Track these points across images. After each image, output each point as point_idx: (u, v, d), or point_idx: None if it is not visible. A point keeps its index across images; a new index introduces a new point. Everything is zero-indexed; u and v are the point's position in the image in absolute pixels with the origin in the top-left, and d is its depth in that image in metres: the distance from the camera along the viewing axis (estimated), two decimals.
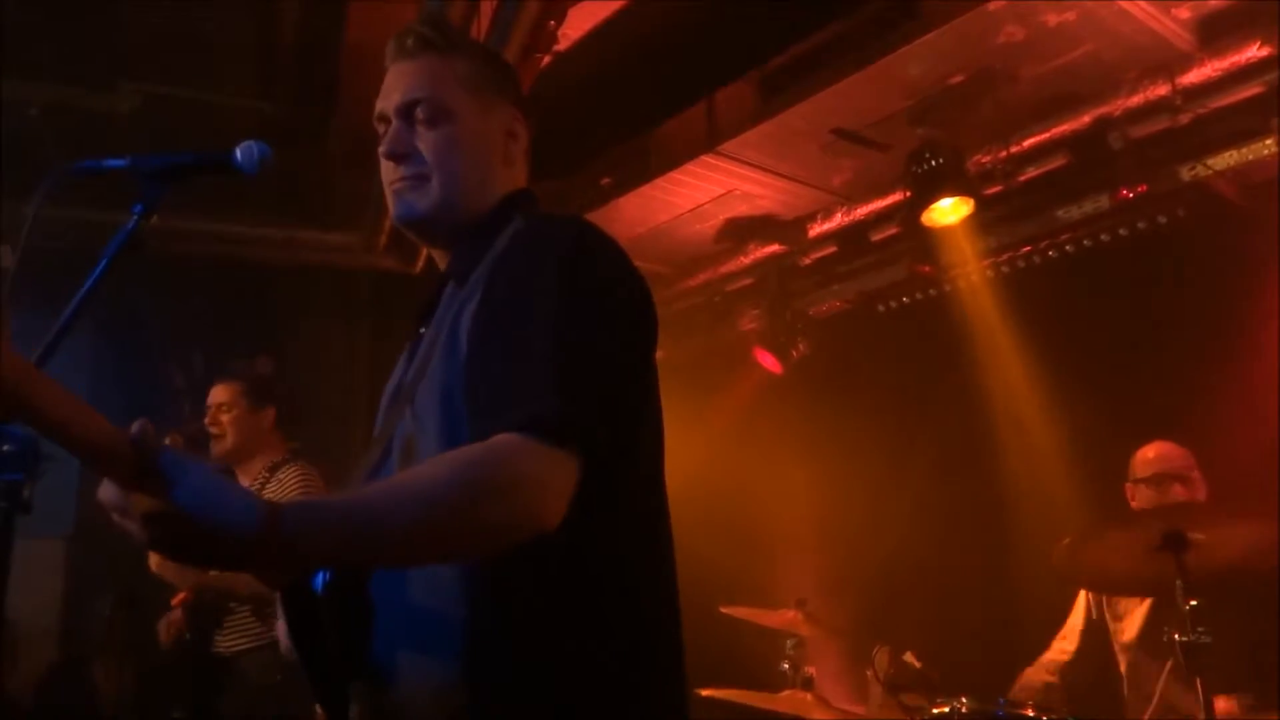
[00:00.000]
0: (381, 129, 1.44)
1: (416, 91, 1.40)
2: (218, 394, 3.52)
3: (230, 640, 3.34)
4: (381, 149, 1.42)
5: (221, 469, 3.40)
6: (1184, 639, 2.48)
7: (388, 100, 1.42)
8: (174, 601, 3.39)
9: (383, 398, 1.45)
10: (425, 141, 1.40)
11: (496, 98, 1.46)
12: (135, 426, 0.97)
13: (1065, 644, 3.37)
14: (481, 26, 3.79)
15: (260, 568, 1.12)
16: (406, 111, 1.41)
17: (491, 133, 1.45)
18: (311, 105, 4.89)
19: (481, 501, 1.09)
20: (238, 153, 1.39)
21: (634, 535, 1.28)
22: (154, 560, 3.14)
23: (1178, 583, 2.54)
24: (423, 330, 1.40)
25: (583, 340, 1.19)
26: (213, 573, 3.29)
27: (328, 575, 1.20)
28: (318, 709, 1.25)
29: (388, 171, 1.42)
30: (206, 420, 3.49)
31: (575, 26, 3.97)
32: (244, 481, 3.47)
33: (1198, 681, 2.44)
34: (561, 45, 4.03)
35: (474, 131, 1.42)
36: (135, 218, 1.33)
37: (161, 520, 0.96)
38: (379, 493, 1.12)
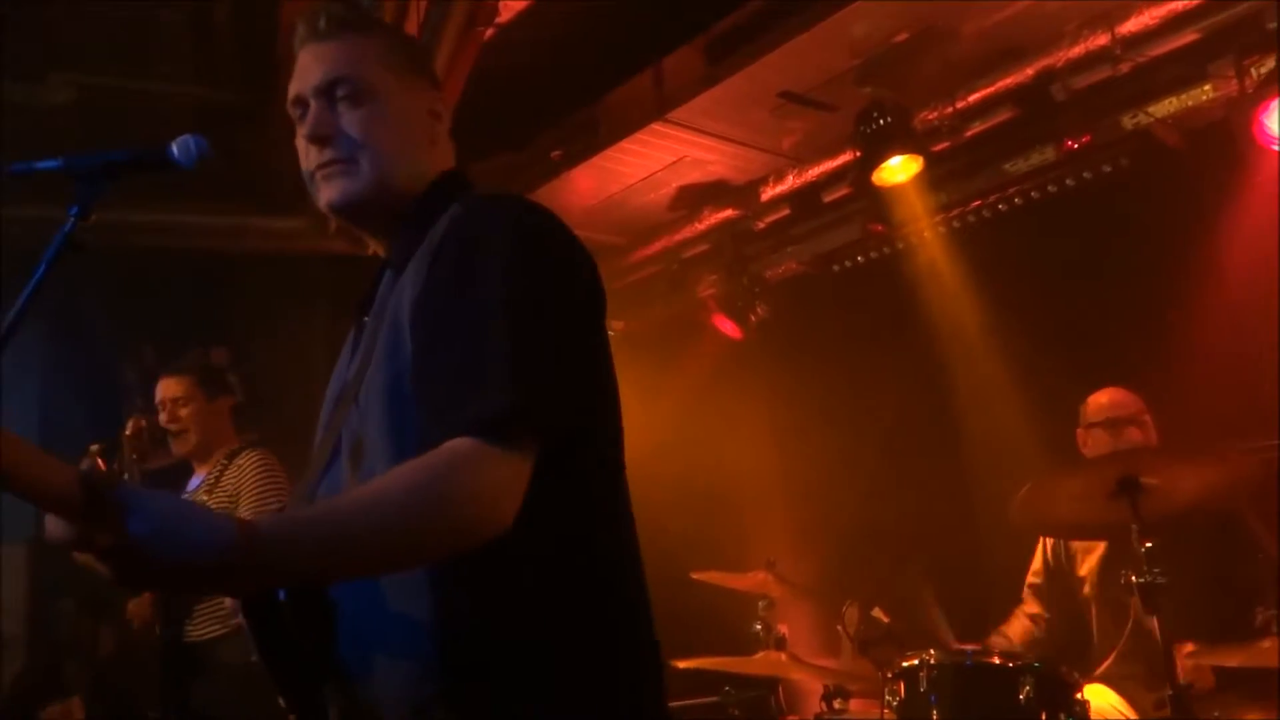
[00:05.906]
0: (298, 113, 1.37)
1: (337, 70, 1.34)
2: (169, 388, 3.37)
3: (201, 628, 3.24)
4: (303, 132, 1.35)
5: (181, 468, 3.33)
6: (1140, 580, 2.54)
7: (304, 82, 1.35)
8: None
9: (328, 393, 1.42)
10: (349, 121, 1.33)
11: (416, 77, 1.41)
12: (84, 463, 0.96)
13: (1028, 607, 3.41)
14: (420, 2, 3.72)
15: (227, 589, 1.11)
16: (327, 91, 1.34)
17: (416, 112, 1.39)
18: (250, 88, 4.79)
19: (440, 516, 1.10)
20: (174, 148, 1.36)
21: (596, 513, 1.27)
22: None
23: (1133, 526, 2.60)
24: (365, 319, 1.36)
25: (533, 325, 1.17)
26: None
27: None
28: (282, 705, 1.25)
29: (311, 156, 1.35)
30: (164, 418, 3.35)
31: None
32: (202, 473, 3.40)
33: (1155, 621, 2.51)
34: (503, 17, 3.97)
35: (399, 110, 1.36)
36: (71, 220, 1.29)
37: (120, 553, 0.95)
38: (345, 510, 1.11)
